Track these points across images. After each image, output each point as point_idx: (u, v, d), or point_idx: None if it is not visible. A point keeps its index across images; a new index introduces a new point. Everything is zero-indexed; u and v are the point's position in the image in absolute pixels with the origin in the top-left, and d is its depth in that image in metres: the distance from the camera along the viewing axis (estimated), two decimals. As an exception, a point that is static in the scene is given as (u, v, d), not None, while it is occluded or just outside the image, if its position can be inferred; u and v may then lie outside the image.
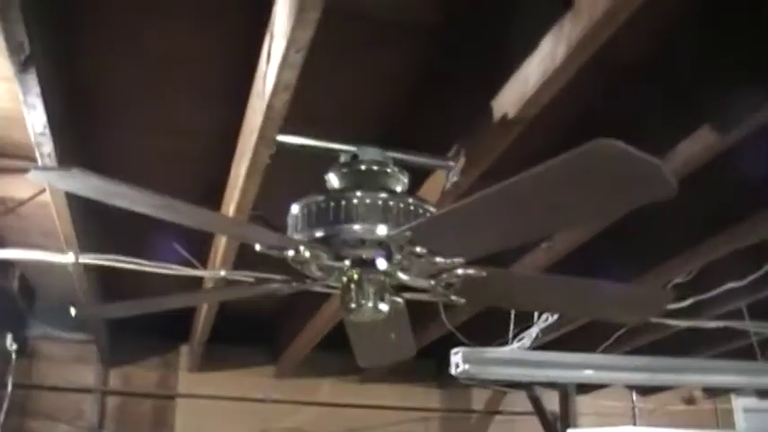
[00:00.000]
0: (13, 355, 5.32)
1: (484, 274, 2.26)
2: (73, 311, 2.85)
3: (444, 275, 2.26)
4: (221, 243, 3.48)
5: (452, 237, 2.03)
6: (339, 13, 2.30)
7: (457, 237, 2.03)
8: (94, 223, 3.74)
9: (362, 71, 2.75)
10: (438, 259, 2.11)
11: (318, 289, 2.53)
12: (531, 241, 3.22)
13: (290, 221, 2.30)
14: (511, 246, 2.20)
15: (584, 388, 6.08)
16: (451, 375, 3.96)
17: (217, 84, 2.84)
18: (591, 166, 1.56)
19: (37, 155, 2.72)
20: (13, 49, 2.09)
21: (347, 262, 2.24)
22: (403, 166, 2.47)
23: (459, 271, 2.23)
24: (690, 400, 6.55)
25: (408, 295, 2.59)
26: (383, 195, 2.22)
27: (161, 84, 2.83)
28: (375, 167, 2.39)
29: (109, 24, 2.55)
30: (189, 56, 2.70)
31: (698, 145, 2.57)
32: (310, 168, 2.44)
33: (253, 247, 2.25)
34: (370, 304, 2.23)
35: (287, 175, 2.71)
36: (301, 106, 2.36)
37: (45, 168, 2.54)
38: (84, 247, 3.61)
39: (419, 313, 3.66)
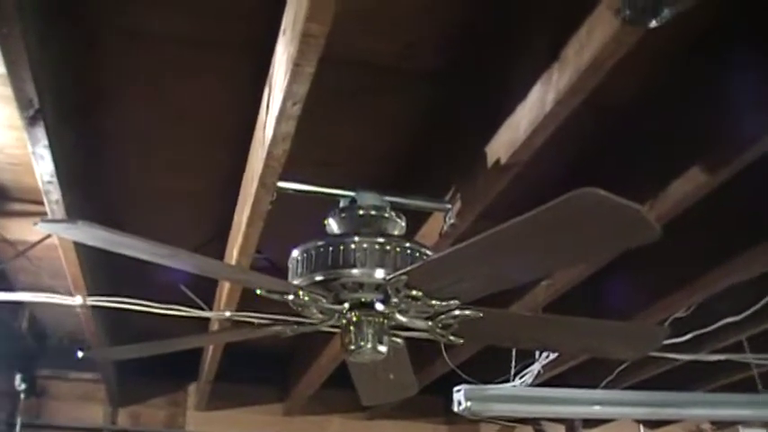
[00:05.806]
0: (22, 395, 5.38)
1: (480, 314, 2.30)
2: (80, 354, 2.90)
3: (442, 317, 2.29)
4: (226, 285, 3.54)
5: (447, 280, 2.07)
6: (339, 61, 2.38)
7: (452, 280, 2.07)
8: (102, 265, 3.80)
9: (364, 116, 2.82)
10: (434, 302, 2.16)
11: (320, 330, 2.57)
12: (524, 283, 3.26)
13: (290, 265, 2.35)
14: (504, 288, 2.25)
15: (591, 422, 6.07)
16: (459, 411, 3.97)
17: (225, 131, 2.92)
18: (575, 213, 1.61)
19: (45, 202, 2.79)
20: (23, 105, 2.14)
21: (346, 305, 2.28)
22: (401, 209, 2.52)
23: (456, 312, 2.27)
24: (697, 433, 6.54)
25: (408, 335, 2.63)
26: (380, 240, 2.26)
27: (172, 130, 2.92)
28: (373, 212, 2.44)
29: (120, 75, 2.63)
30: (199, 105, 2.78)
31: (690, 184, 2.62)
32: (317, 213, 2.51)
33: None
34: (369, 345, 2.26)
35: (294, 218, 2.76)
36: (305, 150, 2.42)
37: (52, 221, 2.60)
38: (92, 289, 3.67)
39: (424, 350, 3.69)
